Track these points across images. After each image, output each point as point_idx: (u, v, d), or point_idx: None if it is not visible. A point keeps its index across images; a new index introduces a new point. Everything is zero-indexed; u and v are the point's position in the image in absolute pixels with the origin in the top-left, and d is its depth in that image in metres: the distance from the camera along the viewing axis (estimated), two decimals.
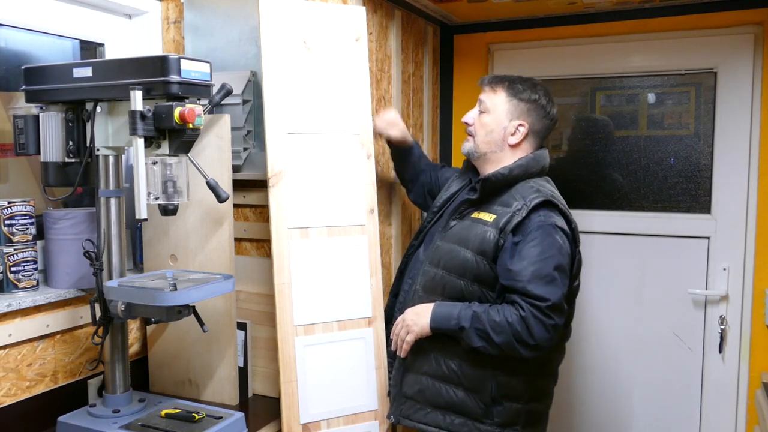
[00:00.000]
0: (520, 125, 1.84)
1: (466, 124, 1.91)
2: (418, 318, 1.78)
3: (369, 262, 1.96)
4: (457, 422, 1.78)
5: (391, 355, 1.93)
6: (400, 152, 2.24)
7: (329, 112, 1.95)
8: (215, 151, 1.92)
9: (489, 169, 1.87)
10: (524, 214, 1.71)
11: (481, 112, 1.88)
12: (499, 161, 1.85)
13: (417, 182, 2.24)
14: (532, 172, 1.83)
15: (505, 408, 1.78)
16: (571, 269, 1.77)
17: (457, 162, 3.05)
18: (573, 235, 1.78)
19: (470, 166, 2.02)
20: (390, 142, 2.23)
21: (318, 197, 1.91)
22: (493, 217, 1.75)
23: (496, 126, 1.84)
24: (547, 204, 1.74)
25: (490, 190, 1.80)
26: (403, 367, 1.87)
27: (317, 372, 1.88)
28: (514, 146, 1.85)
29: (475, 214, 1.80)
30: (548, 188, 1.82)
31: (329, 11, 1.98)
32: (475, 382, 1.77)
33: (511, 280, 1.69)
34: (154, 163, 1.57)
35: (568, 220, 1.78)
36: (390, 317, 1.98)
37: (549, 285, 1.66)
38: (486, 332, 1.67)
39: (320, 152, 1.93)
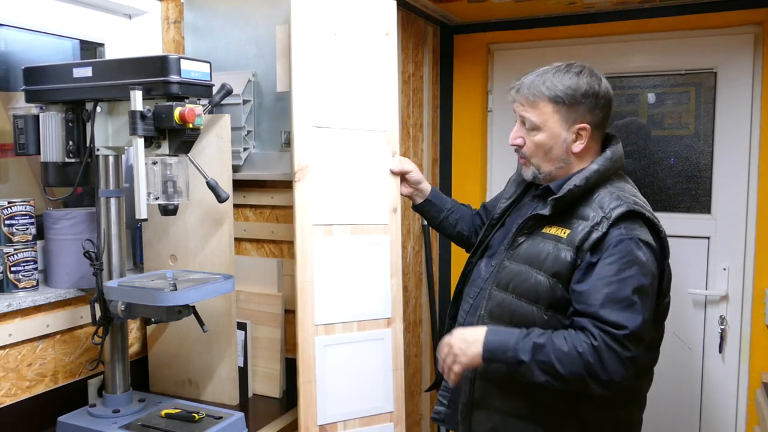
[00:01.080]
0: (580, 130, 1.56)
1: (517, 146, 1.63)
2: (468, 347, 1.51)
3: (390, 262, 1.91)
4: None
5: (446, 387, 1.74)
6: (424, 208, 2.01)
7: (357, 107, 1.87)
8: (215, 151, 1.92)
9: (558, 178, 1.61)
10: (604, 229, 1.46)
11: (530, 129, 1.59)
12: (569, 170, 1.60)
13: (466, 223, 2.00)
14: (610, 174, 1.58)
15: None
16: (660, 287, 1.55)
17: (459, 169, 3.05)
18: (662, 247, 1.54)
19: None
20: (414, 204, 2.02)
21: (343, 194, 1.85)
22: (568, 232, 1.51)
23: (553, 142, 1.56)
24: (631, 215, 1.48)
25: (564, 205, 1.55)
26: (471, 403, 1.64)
27: (336, 372, 1.83)
28: (580, 152, 1.58)
29: (546, 229, 1.56)
30: (629, 192, 1.55)
31: (360, 3, 1.89)
32: (555, 419, 1.54)
33: (581, 303, 1.45)
34: (154, 163, 1.57)
35: (656, 230, 1.52)
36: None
37: (627, 310, 1.42)
38: (551, 365, 1.42)
39: (346, 148, 1.85)
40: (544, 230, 1.56)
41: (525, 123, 1.59)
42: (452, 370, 1.55)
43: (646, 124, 2.80)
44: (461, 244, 2.05)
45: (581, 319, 1.45)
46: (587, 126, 1.55)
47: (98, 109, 1.64)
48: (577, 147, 1.57)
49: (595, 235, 1.46)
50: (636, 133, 2.82)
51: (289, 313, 2.13)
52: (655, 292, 1.50)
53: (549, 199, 1.54)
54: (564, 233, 1.51)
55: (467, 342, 1.52)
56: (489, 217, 1.84)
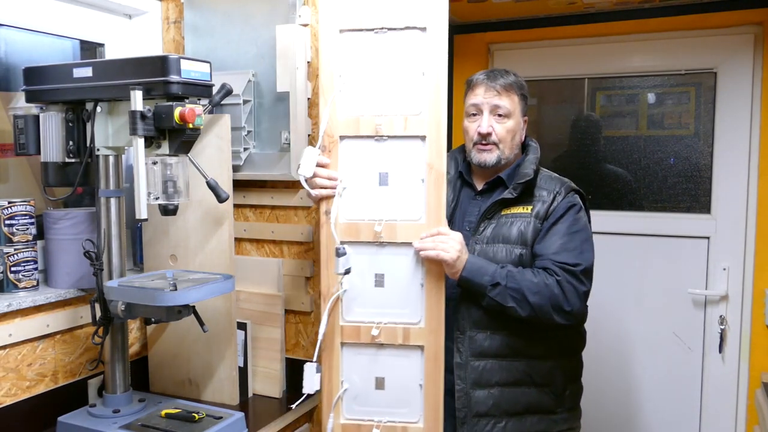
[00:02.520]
0: (525, 121, 1.84)
1: (487, 134, 1.76)
2: (455, 263, 1.64)
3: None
4: (535, 421, 1.76)
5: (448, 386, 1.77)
6: None
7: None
8: (215, 151, 1.92)
9: (502, 169, 1.82)
10: (560, 201, 1.75)
11: (501, 116, 1.77)
12: (515, 158, 1.84)
13: None
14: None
15: (570, 391, 1.81)
16: None
17: None
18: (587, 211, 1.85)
19: (462, 169, 1.89)
20: None
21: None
22: (530, 208, 1.76)
23: (517, 128, 1.80)
24: (574, 190, 1.80)
25: (524, 187, 1.77)
26: (469, 387, 1.75)
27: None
28: (521, 140, 1.85)
29: (505, 211, 1.77)
30: (556, 174, 1.86)
31: None
32: (546, 376, 1.76)
33: (541, 254, 1.71)
34: (154, 163, 1.57)
35: (584, 199, 1.83)
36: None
37: (578, 254, 1.70)
38: (521, 292, 1.64)
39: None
40: (503, 213, 1.77)
41: (496, 111, 1.77)
42: (431, 249, 1.65)
43: (598, 120, 2.82)
44: None
45: (543, 262, 1.69)
46: (527, 118, 1.85)
47: (98, 109, 1.64)
48: (522, 135, 1.84)
49: (554, 206, 1.75)
50: (586, 130, 2.83)
51: (289, 313, 2.13)
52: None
53: (515, 183, 1.76)
54: (527, 209, 1.76)
55: (458, 252, 1.65)
56: None
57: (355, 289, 1.73)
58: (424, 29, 1.68)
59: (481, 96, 1.77)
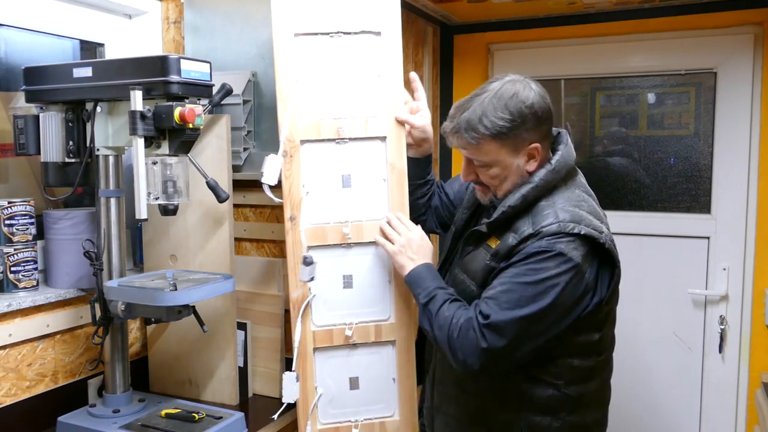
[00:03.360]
0: (531, 151, 1.49)
1: (471, 181, 1.60)
2: (395, 257, 1.61)
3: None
4: None
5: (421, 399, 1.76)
6: (417, 162, 1.83)
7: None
8: (215, 151, 1.92)
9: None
10: (531, 243, 1.42)
11: (480, 167, 1.53)
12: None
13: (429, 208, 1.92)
14: (553, 185, 1.50)
15: None
16: (593, 293, 1.45)
17: (458, 169, 3.05)
18: (610, 259, 1.45)
19: None
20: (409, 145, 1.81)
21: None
22: (498, 242, 1.49)
23: (508, 171, 1.50)
24: (560, 234, 1.40)
25: (503, 222, 1.50)
26: (432, 408, 1.70)
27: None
28: (533, 170, 1.51)
29: (489, 241, 1.54)
30: (571, 204, 1.46)
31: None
32: (502, 425, 1.54)
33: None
34: (154, 163, 1.57)
35: (595, 242, 1.42)
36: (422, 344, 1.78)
37: (501, 307, 1.40)
38: (431, 319, 1.49)
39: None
40: (487, 242, 1.53)
41: (474, 162, 1.54)
42: (387, 241, 1.62)
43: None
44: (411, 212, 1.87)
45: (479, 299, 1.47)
46: (537, 145, 1.48)
47: (98, 109, 1.64)
48: (532, 166, 1.50)
49: (518, 248, 1.43)
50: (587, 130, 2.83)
51: (289, 313, 2.12)
52: (567, 303, 1.41)
53: (482, 221, 1.55)
54: (495, 243, 1.50)
55: (410, 259, 1.59)
56: (450, 203, 1.86)
57: (324, 294, 1.74)
58: (378, 33, 1.73)
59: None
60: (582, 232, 1.40)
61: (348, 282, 1.75)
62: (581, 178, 1.60)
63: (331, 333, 1.75)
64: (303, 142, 1.72)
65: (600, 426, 1.64)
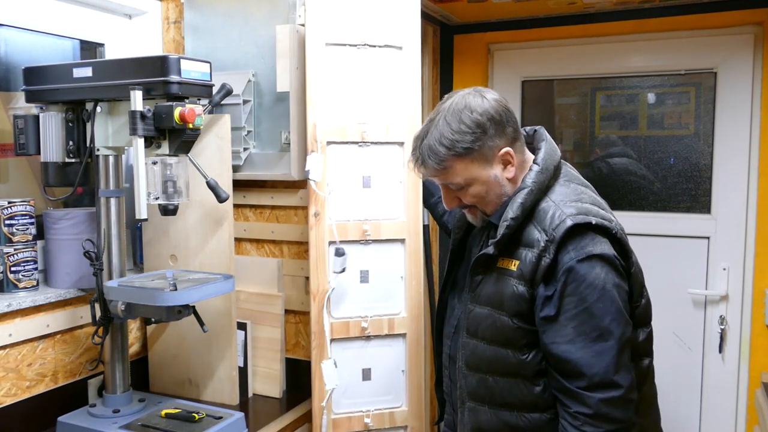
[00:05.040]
0: (503, 156, 1.41)
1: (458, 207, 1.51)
2: None
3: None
4: None
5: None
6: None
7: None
8: (215, 151, 1.92)
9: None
10: (552, 255, 1.33)
11: (459, 189, 1.45)
12: (511, 193, 1.45)
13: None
14: (546, 185, 1.43)
15: None
16: (630, 296, 1.39)
17: None
18: (622, 248, 1.38)
19: None
20: None
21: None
22: (517, 263, 1.37)
23: (488, 186, 1.42)
24: (576, 230, 1.33)
25: (508, 239, 1.40)
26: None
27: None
28: (513, 177, 1.44)
29: (500, 263, 1.41)
30: (571, 197, 1.41)
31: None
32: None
33: (558, 370, 1.34)
34: (154, 163, 1.57)
35: (608, 233, 1.36)
36: (439, 380, 1.68)
37: (607, 384, 1.29)
38: None
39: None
40: (498, 264, 1.42)
41: (451, 186, 1.45)
42: None
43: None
44: (445, 230, 1.91)
45: (561, 395, 1.34)
46: (508, 149, 1.41)
47: (98, 109, 1.64)
48: (510, 172, 1.43)
49: (544, 263, 1.33)
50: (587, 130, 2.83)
51: (289, 313, 2.13)
52: (626, 303, 1.35)
53: (490, 241, 1.43)
54: (514, 265, 1.38)
55: None
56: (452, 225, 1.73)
57: (342, 287, 1.87)
58: (400, 48, 1.90)
59: (424, 175, 1.49)
60: (594, 222, 1.33)
61: (365, 277, 1.89)
62: (572, 170, 1.53)
63: (348, 325, 1.88)
64: (329, 143, 1.86)
65: (656, 430, 1.56)
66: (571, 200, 1.39)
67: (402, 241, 1.91)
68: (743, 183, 2.55)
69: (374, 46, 1.87)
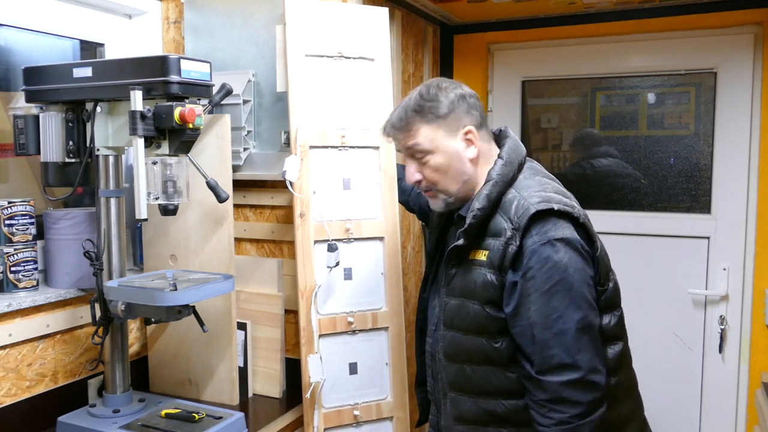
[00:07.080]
0: (467, 134, 1.49)
1: (417, 182, 1.54)
2: None
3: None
4: None
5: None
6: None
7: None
8: (215, 151, 1.92)
9: (467, 198, 1.53)
10: (518, 242, 1.39)
11: (423, 157, 1.50)
12: (475, 184, 1.52)
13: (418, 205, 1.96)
14: (511, 177, 1.49)
15: None
16: (597, 280, 1.43)
17: None
18: (586, 233, 1.43)
19: None
20: None
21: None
22: (486, 253, 1.44)
23: (449, 159, 1.48)
24: (539, 215, 1.39)
25: (477, 229, 1.46)
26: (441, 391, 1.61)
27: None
28: (476, 158, 1.51)
29: (472, 254, 1.47)
30: (535, 189, 1.46)
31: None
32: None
33: (524, 341, 1.39)
34: (154, 163, 1.57)
35: (571, 218, 1.41)
36: (423, 380, 1.72)
37: (566, 368, 1.34)
38: None
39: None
40: (470, 257, 1.47)
41: (415, 155, 1.51)
42: None
43: (597, 134, 2.82)
44: (419, 217, 2.02)
45: (537, 394, 1.37)
46: (472, 128, 1.49)
47: (98, 109, 1.64)
48: (471, 153, 1.49)
49: (511, 250, 1.39)
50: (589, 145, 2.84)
51: (289, 313, 2.13)
52: (591, 288, 1.40)
53: (458, 231, 1.48)
54: (484, 255, 1.44)
55: None
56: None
57: (328, 284, 1.92)
58: (372, 60, 2.01)
59: (395, 141, 1.57)
60: (556, 208, 1.39)
61: (348, 274, 1.95)
62: (537, 165, 1.60)
63: (335, 320, 1.93)
64: (311, 147, 1.92)
65: (634, 416, 1.59)
66: (535, 190, 1.45)
67: (381, 239, 1.99)
68: (743, 183, 2.55)
69: (349, 58, 1.98)
